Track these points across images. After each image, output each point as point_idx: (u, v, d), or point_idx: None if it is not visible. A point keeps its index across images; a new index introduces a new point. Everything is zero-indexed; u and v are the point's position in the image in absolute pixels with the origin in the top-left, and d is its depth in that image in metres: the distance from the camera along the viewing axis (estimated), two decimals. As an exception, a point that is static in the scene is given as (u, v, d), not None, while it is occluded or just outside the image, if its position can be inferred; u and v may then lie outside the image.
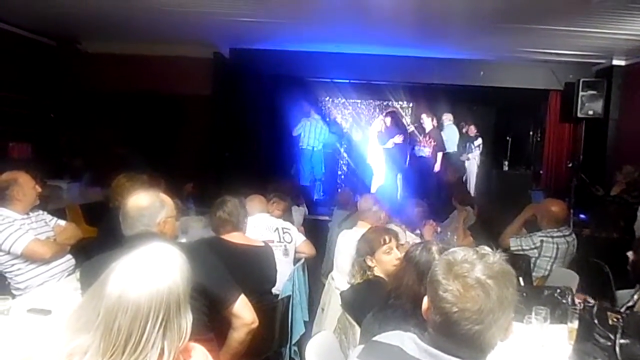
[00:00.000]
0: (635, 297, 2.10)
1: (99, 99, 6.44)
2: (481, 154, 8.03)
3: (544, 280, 3.25)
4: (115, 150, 6.21)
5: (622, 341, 1.61)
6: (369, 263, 2.31)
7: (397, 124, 7.75)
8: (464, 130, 8.14)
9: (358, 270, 2.33)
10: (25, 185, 2.68)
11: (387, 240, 2.33)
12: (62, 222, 2.94)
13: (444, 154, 7.33)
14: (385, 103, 8.70)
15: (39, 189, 2.78)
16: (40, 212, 2.86)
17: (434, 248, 1.74)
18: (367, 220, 3.22)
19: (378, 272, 2.30)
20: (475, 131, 8.10)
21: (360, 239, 2.46)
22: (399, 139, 7.38)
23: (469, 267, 1.02)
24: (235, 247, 2.58)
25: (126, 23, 5.34)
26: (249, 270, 2.46)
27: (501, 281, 1.01)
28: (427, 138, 7.21)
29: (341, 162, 8.42)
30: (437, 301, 1.02)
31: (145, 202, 1.94)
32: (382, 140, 7.65)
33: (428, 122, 7.26)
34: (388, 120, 7.69)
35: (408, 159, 7.47)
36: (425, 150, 7.19)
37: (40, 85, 6.03)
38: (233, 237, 2.65)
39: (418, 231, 3.69)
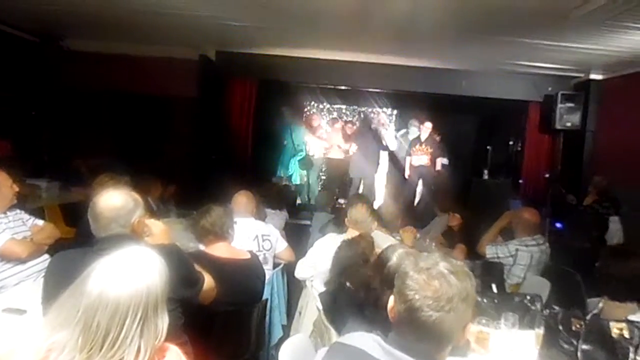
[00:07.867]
0: (601, 304, 2.16)
1: (82, 97, 6.36)
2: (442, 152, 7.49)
3: (518, 288, 3.33)
4: (97, 151, 6.14)
5: (584, 347, 1.67)
6: None
7: (344, 132, 7.94)
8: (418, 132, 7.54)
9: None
10: (2, 183, 2.65)
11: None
12: (40, 222, 2.90)
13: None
14: (369, 109, 8.77)
15: (17, 188, 2.74)
16: (18, 211, 2.82)
17: (399, 251, 1.78)
18: (357, 227, 3.11)
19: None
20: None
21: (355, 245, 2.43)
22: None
23: (433, 263, 1.14)
24: (220, 262, 2.45)
25: (111, 22, 5.29)
26: (234, 284, 2.37)
27: (461, 275, 1.12)
28: (423, 146, 7.26)
29: (322, 166, 8.44)
30: (403, 289, 1.12)
31: (120, 202, 1.85)
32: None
33: (425, 130, 7.30)
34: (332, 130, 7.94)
35: (407, 167, 7.49)
36: (422, 158, 7.23)
37: (21, 82, 5.93)
38: (217, 250, 2.52)
39: (398, 237, 3.73)
